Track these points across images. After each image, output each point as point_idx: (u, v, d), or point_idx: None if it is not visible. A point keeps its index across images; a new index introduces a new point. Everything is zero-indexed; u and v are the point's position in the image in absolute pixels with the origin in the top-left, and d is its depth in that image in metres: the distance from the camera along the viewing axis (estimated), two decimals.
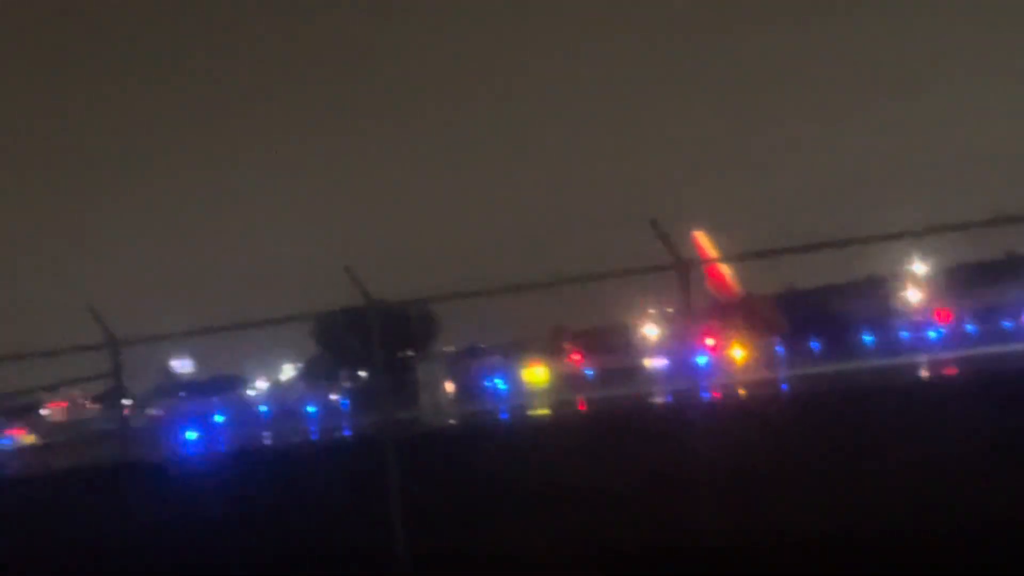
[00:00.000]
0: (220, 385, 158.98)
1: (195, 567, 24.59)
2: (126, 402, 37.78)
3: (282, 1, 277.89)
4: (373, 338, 24.35)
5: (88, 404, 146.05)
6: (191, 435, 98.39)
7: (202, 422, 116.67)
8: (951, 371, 67.46)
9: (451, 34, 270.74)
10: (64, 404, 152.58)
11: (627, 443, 40.22)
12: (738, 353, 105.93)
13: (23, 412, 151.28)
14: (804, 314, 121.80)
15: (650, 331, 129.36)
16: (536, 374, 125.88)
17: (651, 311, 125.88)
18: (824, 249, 23.49)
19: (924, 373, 72.21)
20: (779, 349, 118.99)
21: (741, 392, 69.98)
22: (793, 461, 27.75)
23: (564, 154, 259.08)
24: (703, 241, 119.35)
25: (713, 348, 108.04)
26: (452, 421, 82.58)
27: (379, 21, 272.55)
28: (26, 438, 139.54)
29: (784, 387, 75.41)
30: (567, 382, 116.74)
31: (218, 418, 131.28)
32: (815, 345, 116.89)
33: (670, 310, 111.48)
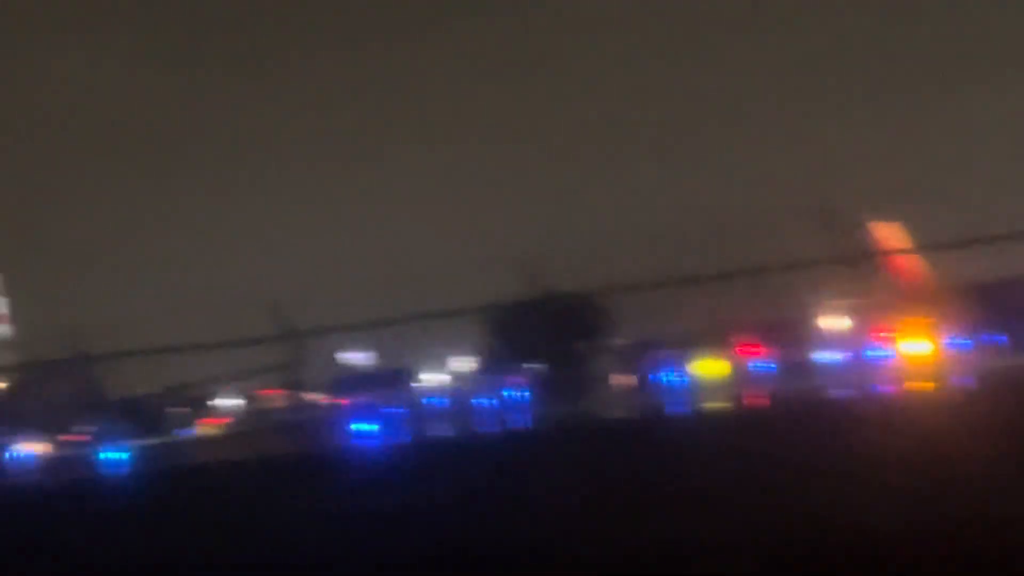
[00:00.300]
0: (396, 377, 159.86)
1: (368, 556, 24.81)
2: (304, 393, 38.31)
3: None
4: (548, 331, 24.30)
5: (266, 394, 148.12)
6: (367, 427, 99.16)
7: (378, 414, 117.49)
8: None
9: (627, 30, 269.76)
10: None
11: (805, 437, 39.93)
12: (920, 346, 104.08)
13: (205, 403, 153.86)
14: (992, 306, 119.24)
15: (829, 323, 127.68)
16: (711, 367, 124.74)
17: (830, 303, 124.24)
18: (1013, 240, 23.00)
19: None
20: (964, 342, 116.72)
21: (922, 387, 69.02)
22: (985, 452, 27.40)
23: (743, 145, 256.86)
24: (887, 232, 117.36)
25: (893, 341, 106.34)
26: (627, 414, 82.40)
27: (561, 17, 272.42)
28: (208, 428, 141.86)
29: (970, 381, 74.11)
30: (743, 375, 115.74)
31: (393, 410, 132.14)
32: (1002, 339, 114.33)
33: (850, 302, 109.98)
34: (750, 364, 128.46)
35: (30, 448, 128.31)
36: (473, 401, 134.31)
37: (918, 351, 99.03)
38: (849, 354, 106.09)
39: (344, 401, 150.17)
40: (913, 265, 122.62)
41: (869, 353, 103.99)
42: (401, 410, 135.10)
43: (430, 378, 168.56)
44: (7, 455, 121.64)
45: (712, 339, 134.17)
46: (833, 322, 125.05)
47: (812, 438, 39.90)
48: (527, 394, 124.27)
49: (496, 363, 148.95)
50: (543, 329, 25.28)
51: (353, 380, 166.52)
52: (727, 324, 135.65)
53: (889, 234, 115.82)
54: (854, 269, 23.33)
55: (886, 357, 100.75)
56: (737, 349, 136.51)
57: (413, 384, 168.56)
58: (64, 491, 51.67)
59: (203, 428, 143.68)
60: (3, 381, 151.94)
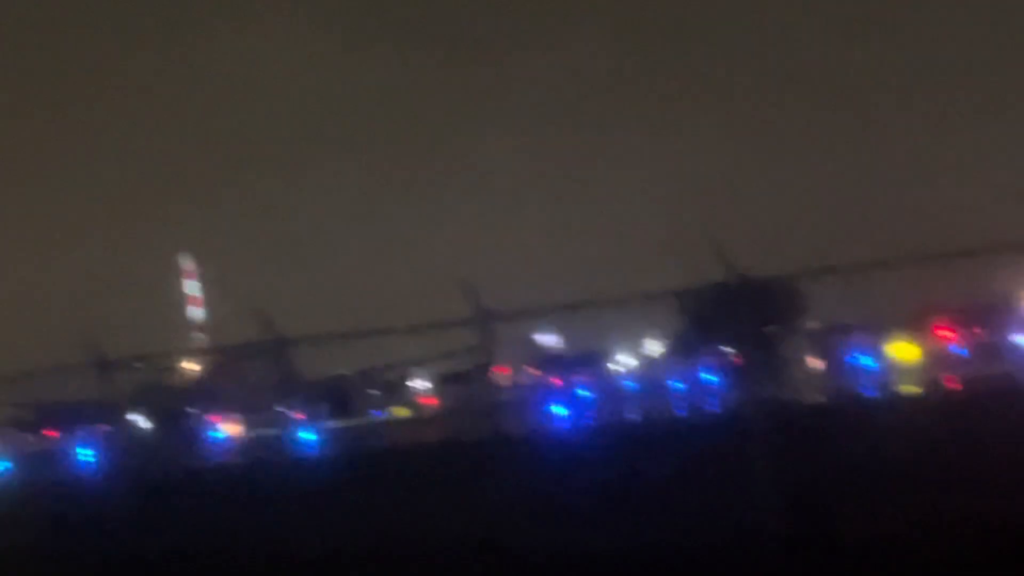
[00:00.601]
0: (587, 360, 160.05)
1: (560, 537, 24.86)
2: (497, 376, 38.48)
3: None
4: (741, 314, 24.11)
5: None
6: (559, 410, 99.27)
7: (569, 397, 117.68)
8: None
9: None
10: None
11: (1003, 424, 39.16)
12: None
13: (399, 385, 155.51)
14: None
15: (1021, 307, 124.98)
16: (905, 351, 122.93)
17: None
18: None
19: None
20: None
21: None
22: None
23: (941, 121, 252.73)
24: None
25: None
26: (822, 398, 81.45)
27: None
28: (399, 411, 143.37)
29: None
30: (938, 360, 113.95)
31: (584, 393, 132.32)
32: None
33: None
34: (946, 348, 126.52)
35: (227, 430, 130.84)
36: (665, 385, 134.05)
37: None
38: None
39: (536, 385, 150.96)
40: None
41: None
42: (593, 393, 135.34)
43: (622, 361, 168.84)
44: (205, 437, 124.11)
45: (907, 322, 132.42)
46: None
47: (998, 424, 39.20)
48: (719, 378, 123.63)
49: (688, 347, 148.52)
50: (735, 312, 25.11)
51: (545, 363, 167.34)
52: (923, 307, 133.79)
53: None
54: None
55: None
56: (933, 332, 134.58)
57: (605, 367, 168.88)
58: (261, 472, 52.58)
59: (396, 410, 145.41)
60: (199, 363, 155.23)
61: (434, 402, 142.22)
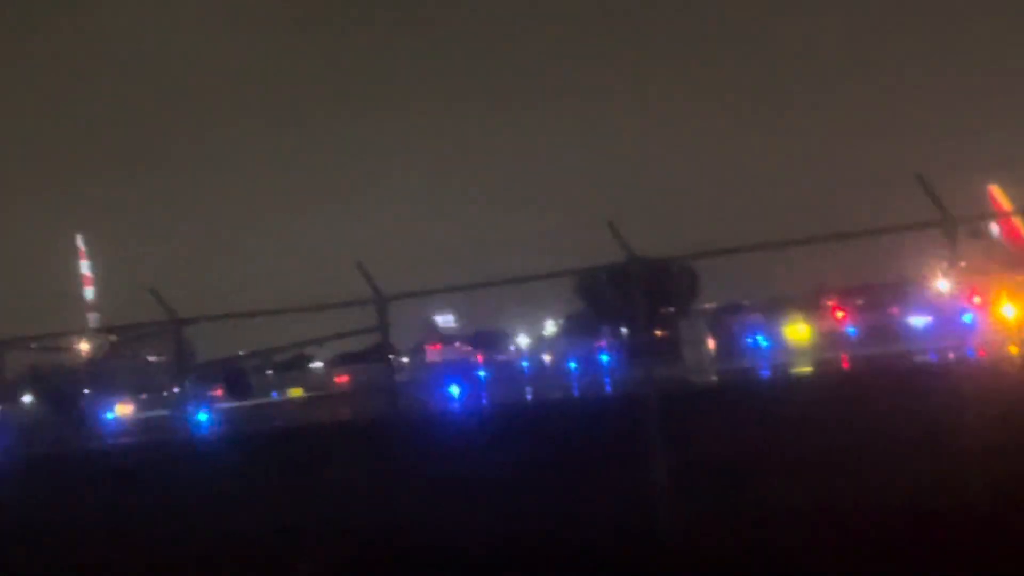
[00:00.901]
0: (483, 340, 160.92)
1: (451, 520, 24.82)
2: (392, 357, 38.36)
3: None
4: (635, 294, 24.16)
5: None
6: (454, 389, 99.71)
7: (465, 376, 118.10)
8: None
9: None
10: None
11: (891, 401, 39.66)
12: (1012, 311, 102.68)
13: (294, 367, 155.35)
14: None
15: (914, 288, 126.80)
16: (798, 331, 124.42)
17: (926, 267, 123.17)
18: None
19: None
20: None
21: (1011, 350, 68.32)
22: None
23: (828, 109, 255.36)
24: (998, 195, 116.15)
25: (981, 306, 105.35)
26: (715, 378, 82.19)
27: None
28: (295, 392, 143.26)
29: None
30: (829, 339, 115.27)
31: (480, 373, 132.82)
32: None
33: (946, 267, 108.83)
34: (838, 328, 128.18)
35: (120, 411, 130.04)
36: (560, 364, 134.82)
37: (1014, 315, 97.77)
38: (942, 318, 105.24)
39: (432, 364, 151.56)
40: (1015, 229, 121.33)
41: (956, 318, 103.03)
42: (487, 372, 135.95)
43: (518, 341, 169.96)
44: (98, 418, 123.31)
45: (800, 303, 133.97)
46: (928, 286, 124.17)
47: (891, 402, 39.66)
48: (613, 358, 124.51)
49: (583, 327, 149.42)
50: (630, 293, 25.12)
51: (442, 342, 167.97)
52: (816, 288, 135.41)
53: (1004, 197, 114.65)
54: (952, 233, 22.90)
55: (981, 321, 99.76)
56: (826, 313, 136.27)
57: (505, 347, 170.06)
58: (153, 453, 52.11)
59: (290, 391, 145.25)
60: (91, 344, 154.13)
61: (345, 379, 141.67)
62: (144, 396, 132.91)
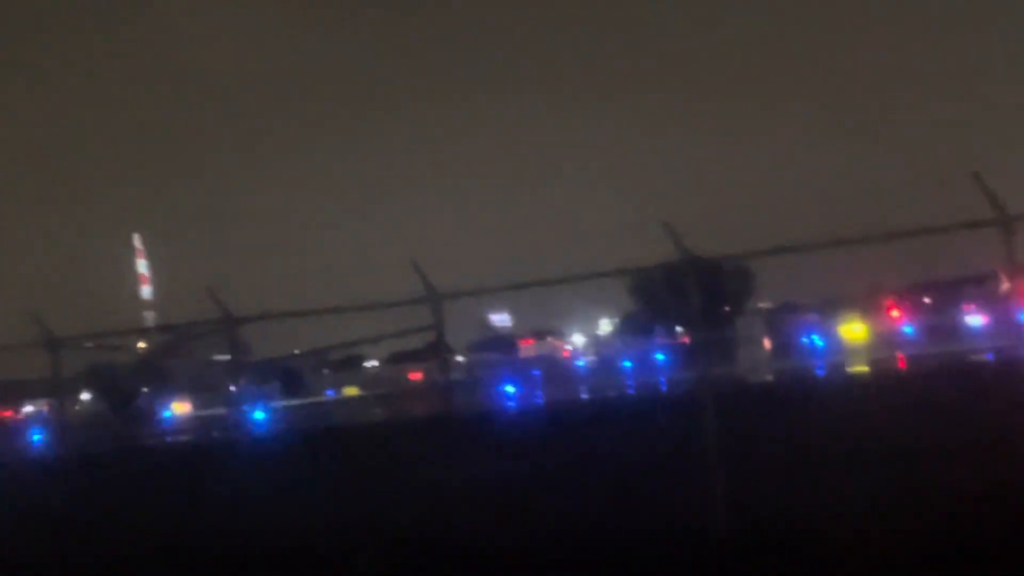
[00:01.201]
0: (537, 339, 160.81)
1: (505, 518, 24.84)
2: (448, 356, 38.44)
3: None
4: (690, 293, 24.12)
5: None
6: (509, 388, 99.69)
7: (520, 376, 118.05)
8: None
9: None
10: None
11: (949, 400, 39.44)
12: None
13: (349, 365, 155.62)
14: None
15: (971, 287, 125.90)
16: (854, 330, 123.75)
17: (975, 267, 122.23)
18: None
19: None
20: None
21: None
22: None
23: (887, 109, 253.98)
24: None
25: None
26: (770, 377, 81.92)
27: None
28: (351, 390, 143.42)
29: None
30: (885, 339, 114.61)
31: (535, 372, 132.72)
32: None
33: (1004, 266, 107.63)
34: (894, 327, 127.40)
35: (176, 409, 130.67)
36: (615, 364, 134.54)
37: None
38: (1000, 318, 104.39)
39: (487, 363, 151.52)
40: None
41: (1015, 317, 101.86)
42: (543, 371, 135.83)
43: (573, 341, 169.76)
44: (156, 415, 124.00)
45: (856, 302, 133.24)
46: (985, 285, 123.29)
47: (945, 400, 39.46)
48: (669, 357, 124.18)
49: (638, 326, 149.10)
50: (685, 292, 25.05)
51: (496, 342, 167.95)
52: (873, 287, 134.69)
53: None
54: (1009, 231, 22.67)
55: None
56: (882, 312, 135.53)
57: (554, 346, 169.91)
58: (210, 451, 52.40)
59: (346, 390, 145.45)
60: (147, 342, 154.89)
61: (418, 377, 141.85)
62: (201, 394, 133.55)
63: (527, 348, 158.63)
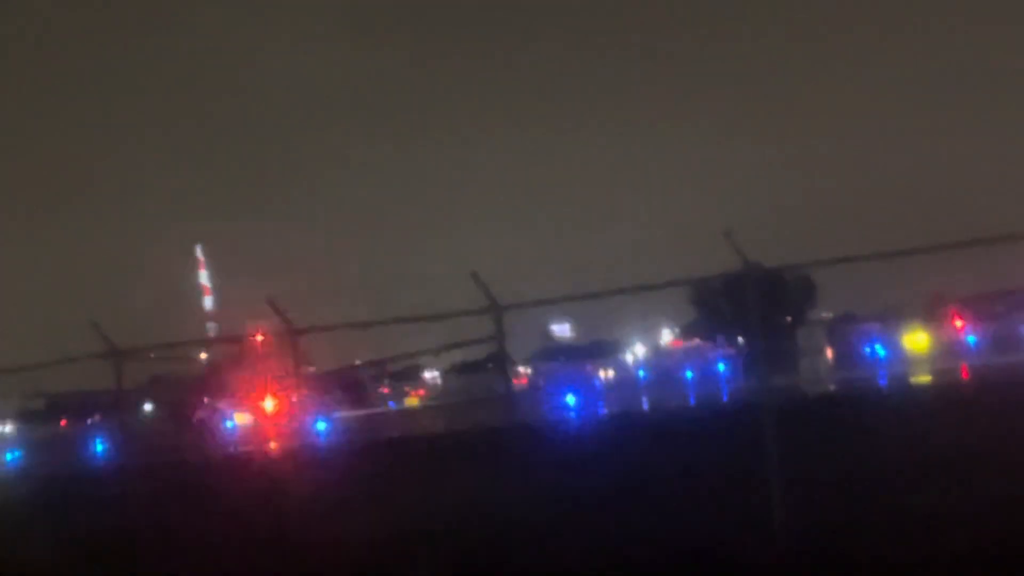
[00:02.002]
0: (599, 349, 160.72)
1: (569, 530, 24.80)
2: (509, 366, 38.44)
3: None
4: (751, 303, 24.01)
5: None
6: (570, 399, 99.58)
7: (581, 386, 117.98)
8: None
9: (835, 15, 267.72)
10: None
11: (1014, 413, 39.06)
12: None
13: (411, 375, 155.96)
14: None
15: None
16: (916, 340, 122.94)
17: None
18: None
19: None
20: None
21: None
22: None
23: (941, 123, 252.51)
24: None
25: None
26: (832, 388, 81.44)
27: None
28: (412, 400, 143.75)
29: None
30: (949, 349, 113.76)
31: (596, 382, 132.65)
32: None
33: None
34: (958, 337, 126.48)
35: (238, 419, 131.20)
36: (675, 373, 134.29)
37: None
38: None
39: (549, 374, 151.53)
40: None
41: None
42: (603, 382, 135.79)
43: (639, 350, 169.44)
44: (219, 426, 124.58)
45: (919, 312, 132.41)
46: None
47: (1010, 411, 39.07)
48: (731, 367, 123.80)
49: (698, 336, 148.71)
50: (746, 302, 24.96)
51: (559, 352, 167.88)
52: (936, 297, 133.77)
53: None
54: None
55: None
56: (945, 322, 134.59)
57: (621, 356, 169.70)
58: (274, 462, 52.56)
59: (407, 400, 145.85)
60: (211, 353, 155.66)
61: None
62: (264, 405, 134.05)
63: (676, 350, 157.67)
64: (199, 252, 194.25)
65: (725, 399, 79.97)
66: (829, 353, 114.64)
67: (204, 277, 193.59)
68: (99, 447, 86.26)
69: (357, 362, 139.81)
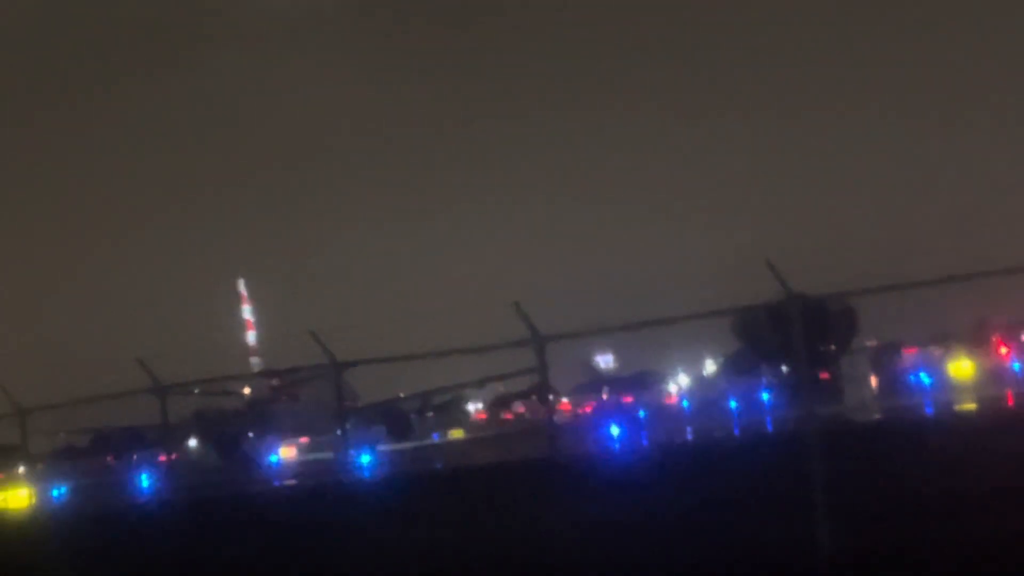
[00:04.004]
0: (642, 380, 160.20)
1: (616, 560, 24.77)
2: (552, 397, 38.50)
3: None
4: (794, 333, 23.97)
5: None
6: (614, 430, 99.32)
7: (625, 417, 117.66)
8: None
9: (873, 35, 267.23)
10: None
11: None
12: None
13: (454, 408, 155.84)
14: None
15: None
16: (961, 368, 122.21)
17: None
18: None
19: None
20: None
21: None
22: None
23: (988, 146, 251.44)
24: None
25: None
26: (877, 416, 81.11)
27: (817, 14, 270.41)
28: (456, 433, 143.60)
29: None
30: (994, 376, 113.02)
31: (640, 413, 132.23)
32: None
33: None
34: (1003, 363, 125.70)
35: (283, 453, 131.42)
36: (720, 404, 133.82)
37: None
38: None
39: (592, 405, 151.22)
40: None
41: None
42: (646, 413, 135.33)
43: (677, 381, 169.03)
44: (263, 460, 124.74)
45: (963, 339, 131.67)
46: None
47: None
48: (774, 397, 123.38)
49: (743, 366, 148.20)
50: (790, 331, 24.87)
51: (602, 383, 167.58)
52: (980, 324, 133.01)
53: None
54: None
55: None
56: (990, 348, 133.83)
57: (664, 387, 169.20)
58: (318, 495, 52.63)
59: (451, 432, 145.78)
60: (254, 388, 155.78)
61: (509, 418, 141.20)
62: (307, 439, 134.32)
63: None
64: (242, 287, 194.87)
65: (770, 429, 79.69)
66: (873, 381, 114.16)
67: (247, 312, 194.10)
68: (147, 482, 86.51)
69: (400, 394, 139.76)
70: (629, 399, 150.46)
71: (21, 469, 77.01)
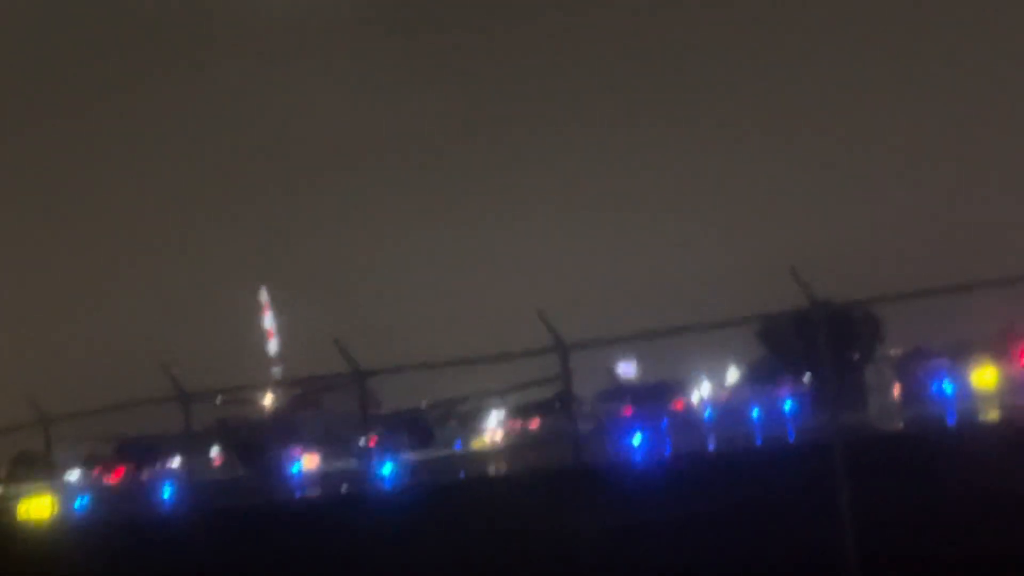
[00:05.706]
0: (665, 388, 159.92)
1: (637, 571, 24.70)
2: (575, 406, 38.37)
3: None
4: (819, 340, 23.87)
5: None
6: (636, 439, 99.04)
7: (647, 426, 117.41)
8: None
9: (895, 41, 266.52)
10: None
11: None
12: None
13: (477, 416, 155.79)
14: None
15: None
16: (985, 376, 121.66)
17: None
18: None
19: None
20: None
21: None
22: None
23: (1017, 151, 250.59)
24: None
25: None
26: (901, 425, 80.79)
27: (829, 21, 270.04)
28: (477, 442, 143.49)
29: None
30: (1018, 385, 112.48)
31: (663, 422, 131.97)
32: None
33: None
34: None
35: (305, 462, 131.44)
36: (743, 412, 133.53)
37: None
38: None
39: (614, 414, 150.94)
40: None
41: None
42: (668, 422, 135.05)
43: (700, 389, 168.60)
44: (285, 469, 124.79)
45: (988, 346, 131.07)
46: None
47: None
48: (797, 405, 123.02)
49: (766, 374, 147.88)
50: (814, 339, 24.78)
51: (624, 391, 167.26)
52: (1005, 332, 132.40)
53: None
54: None
55: None
56: (1015, 357, 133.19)
57: (687, 395, 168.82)
58: (340, 505, 52.62)
59: (475, 441, 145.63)
60: (277, 396, 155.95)
61: (534, 426, 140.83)
62: (330, 448, 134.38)
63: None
64: (263, 295, 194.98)
65: (793, 438, 79.41)
66: (897, 389, 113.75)
67: (268, 320, 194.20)
68: (171, 491, 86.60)
69: (423, 403, 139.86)
70: (650, 408, 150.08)
71: (45, 478, 77.14)
